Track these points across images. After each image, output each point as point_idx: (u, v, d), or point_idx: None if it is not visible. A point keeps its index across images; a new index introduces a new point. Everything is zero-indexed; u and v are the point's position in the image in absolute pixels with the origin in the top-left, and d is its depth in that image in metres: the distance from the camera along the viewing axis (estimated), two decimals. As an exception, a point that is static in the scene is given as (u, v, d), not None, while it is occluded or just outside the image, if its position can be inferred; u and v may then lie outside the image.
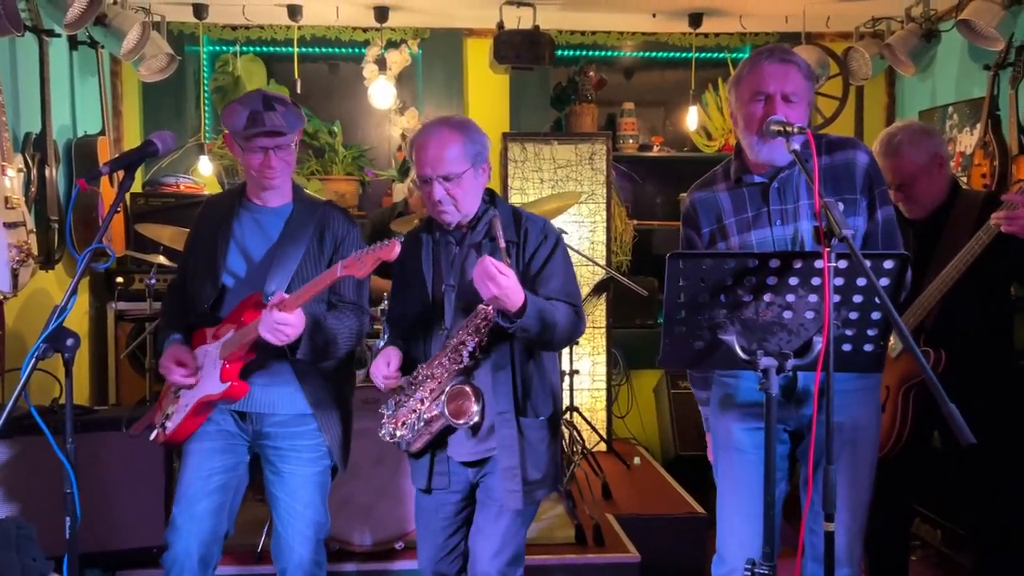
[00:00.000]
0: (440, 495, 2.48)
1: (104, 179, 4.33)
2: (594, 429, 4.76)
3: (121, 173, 2.17)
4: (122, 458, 3.16)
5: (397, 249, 2.16)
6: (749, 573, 2.11)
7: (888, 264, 2.00)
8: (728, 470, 2.45)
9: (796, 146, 2.10)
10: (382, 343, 2.56)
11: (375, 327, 3.43)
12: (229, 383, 2.38)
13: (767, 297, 2.06)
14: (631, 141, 5.41)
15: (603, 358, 5.03)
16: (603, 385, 5.05)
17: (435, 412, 2.34)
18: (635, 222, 5.31)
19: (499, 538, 2.40)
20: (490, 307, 2.26)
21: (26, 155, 3.70)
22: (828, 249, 1.89)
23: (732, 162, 2.43)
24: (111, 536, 3.15)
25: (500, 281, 2.18)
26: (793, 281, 2.03)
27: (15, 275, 3.41)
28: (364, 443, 2.94)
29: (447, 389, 2.33)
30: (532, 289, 2.36)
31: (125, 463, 3.17)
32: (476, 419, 2.31)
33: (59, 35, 3.95)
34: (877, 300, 2.02)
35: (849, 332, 2.08)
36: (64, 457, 1.97)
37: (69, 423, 1.99)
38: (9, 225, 3.38)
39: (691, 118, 5.22)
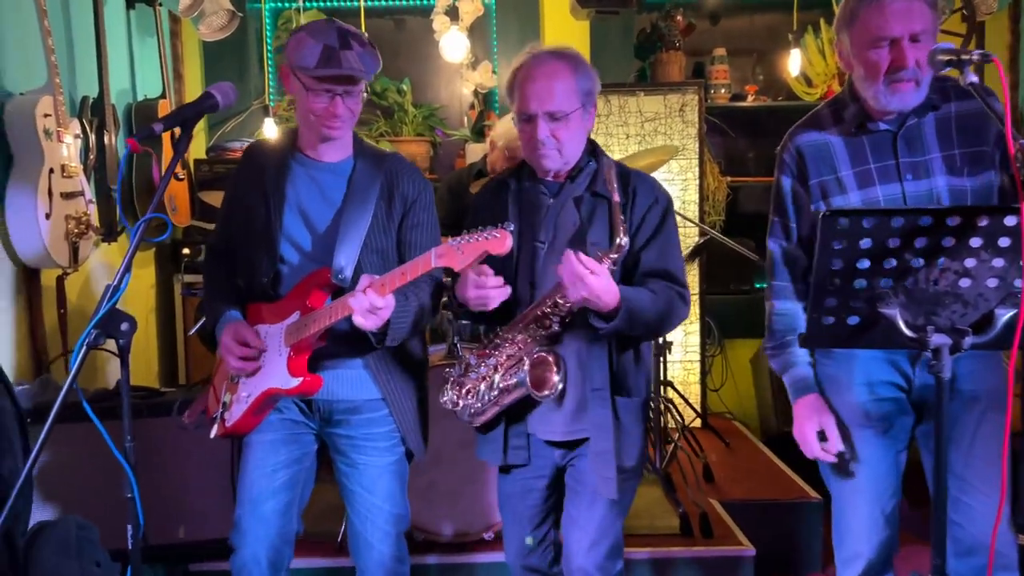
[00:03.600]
0: (525, 480, 2.23)
1: (168, 143, 4.08)
2: (688, 403, 4.42)
3: (178, 133, 1.91)
4: (191, 442, 2.92)
5: (509, 242, 1.84)
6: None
7: (1104, 219, 1.64)
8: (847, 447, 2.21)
9: (973, 79, 1.76)
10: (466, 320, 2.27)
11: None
12: (301, 378, 2.10)
13: (941, 262, 1.74)
14: (723, 91, 4.99)
15: (696, 327, 4.66)
16: (696, 357, 4.69)
17: (513, 381, 2.08)
18: (728, 179, 4.91)
19: (595, 528, 2.15)
20: None
21: (83, 120, 3.46)
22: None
23: (847, 105, 2.11)
24: (181, 527, 2.95)
25: (590, 283, 1.92)
26: (975, 242, 1.71)
27: (75, 249, 3.20)
28: (448, 425, 2.68)
29: (530, 357, 2.07)
30: (635, 262, 2.11)
31: (194, 447, 2.93)
32: (560, 387, 2.07)
33: (114, -8, 3.72)
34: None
35: (1045, 303, 1.73)
36: (123, 459, 1.74)
37: (127, 420, 1.75)
38: (66, 195, 3.17)
39: (793, 62, 4.78)
